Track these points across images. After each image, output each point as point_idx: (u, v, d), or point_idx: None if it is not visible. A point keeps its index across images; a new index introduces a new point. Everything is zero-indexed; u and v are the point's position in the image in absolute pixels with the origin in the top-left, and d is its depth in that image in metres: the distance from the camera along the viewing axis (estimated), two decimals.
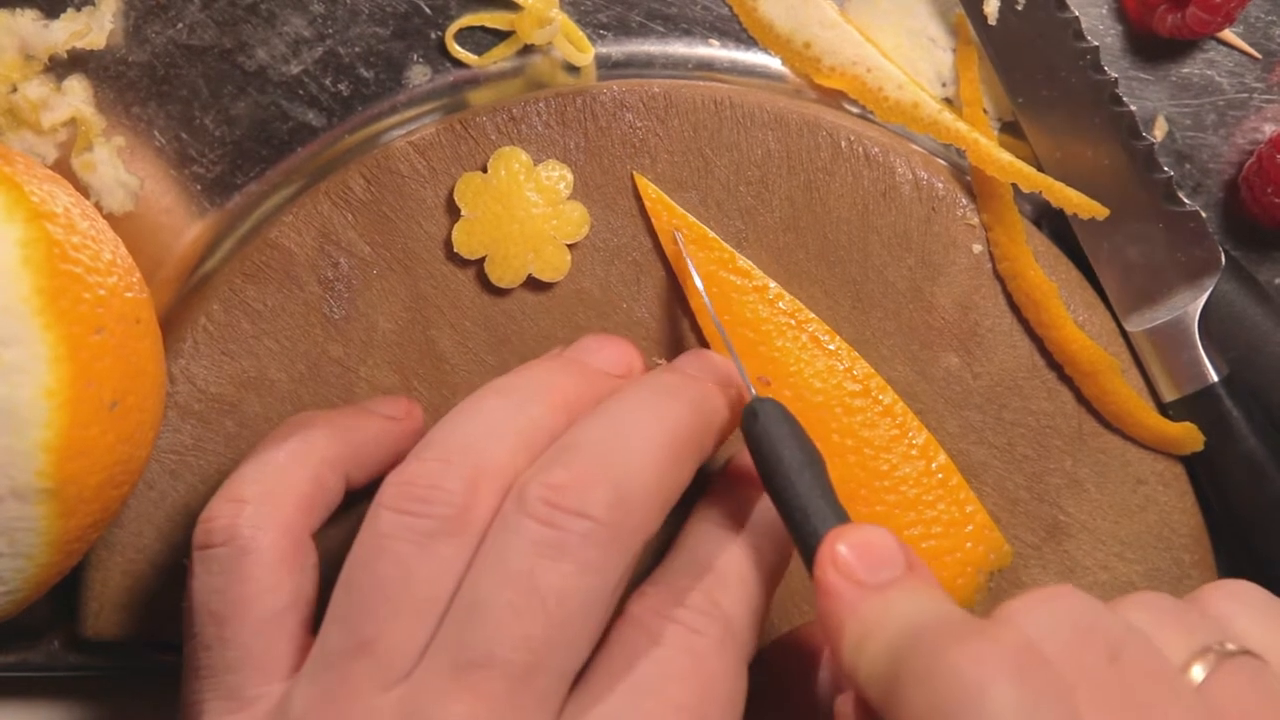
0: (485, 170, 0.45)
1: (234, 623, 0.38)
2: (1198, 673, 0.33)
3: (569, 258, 0.45)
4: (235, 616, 0.38)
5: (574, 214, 0.45)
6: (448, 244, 0.45)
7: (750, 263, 0.46)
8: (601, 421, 0.38)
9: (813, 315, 0.46)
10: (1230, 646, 0.33)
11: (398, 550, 0.36)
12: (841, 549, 0.36)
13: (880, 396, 0.46)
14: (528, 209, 0.45)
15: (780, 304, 0.46)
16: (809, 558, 0.37)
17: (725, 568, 0.39)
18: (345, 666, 0.35)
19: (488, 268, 0.45)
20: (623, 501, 0.36)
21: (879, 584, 0.35)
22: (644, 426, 0.37)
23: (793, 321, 0.46)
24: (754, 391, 0.41)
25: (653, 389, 0.39)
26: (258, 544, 0.38)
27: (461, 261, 0.46)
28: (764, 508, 0.41)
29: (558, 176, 0.45)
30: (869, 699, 0.33)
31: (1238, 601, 0.35)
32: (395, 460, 0.42)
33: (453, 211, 0.45)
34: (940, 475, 0.46)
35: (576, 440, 0.37)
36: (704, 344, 0.46)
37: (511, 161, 0.45)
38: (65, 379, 0.38)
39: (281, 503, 0.39)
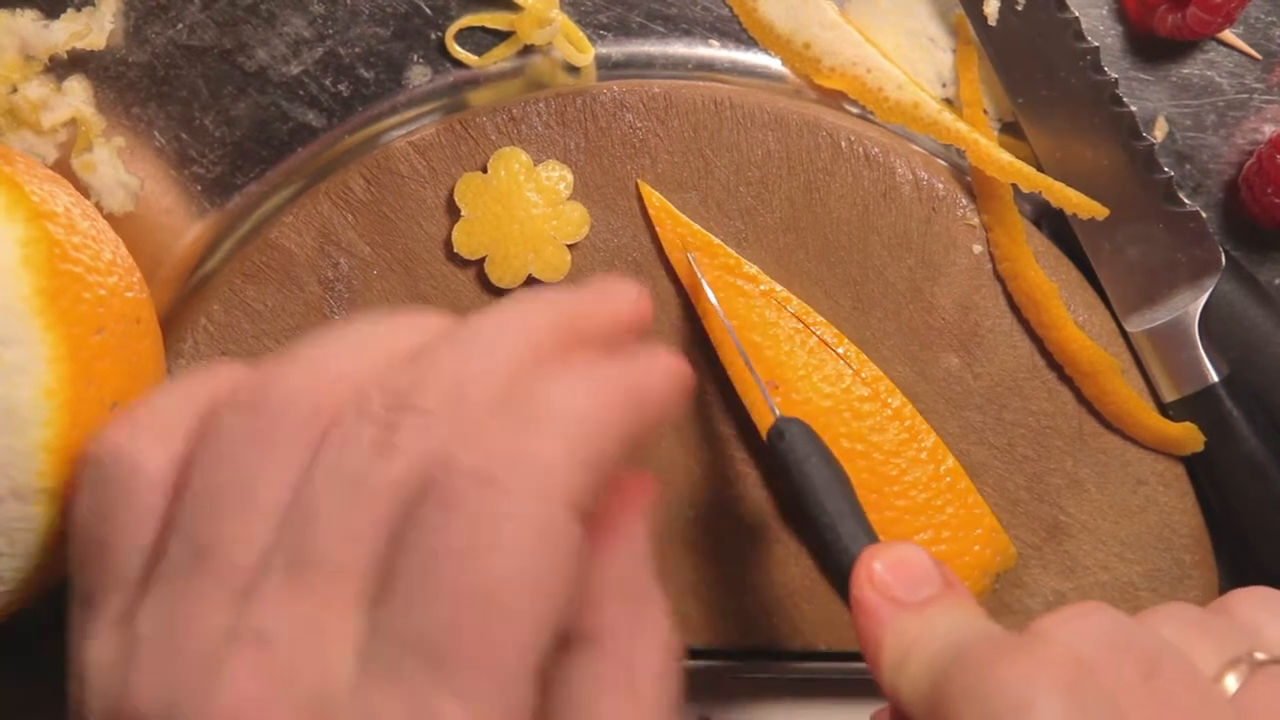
0: (485, 170, 0.45)
1: (113, 548, 0.36)
2: (1231, 683, 0.33)
3: (569, 258, 0.45)
4: (115, 542, 0.36)
5: (574, 214, 0.45)
6: (448, 244, 0.45)
7: (757, 268, 0.46)
8: (456, 331, 0.35)
9: (821, 319, 0.46)
10: (1260, 656, 0.33)
11: (236, 453, 0.34)
12: (878, 567, 0.35)
13: (889, 400, 0.46)
14: (528, 209, 0.45)
15: (788, 308, 0.46)
16: (842, 577, 0.37)
17: (547, 400, 0.33)
18: (187, 578, 0.34)
19: (488, 268, 0.45)
20: (462, 397, 0.33)
21: (917, 602, 0.35)
22: (497, 331, 0.34)
23: (800, 325, 0.46)
24: (778, 412, 0.41)
25: (518, 298, 0.36)
26: (143, 467, 0.36)
27: (462, 262, 0.46)
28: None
29: (558, 177, 0.45)
30: (912, 718, 0.33)
31: (1266, 609, 0.35)
32: None
33: (453, 212, 0.45)
34: (949, 479, 0.46)
35: (425, 347, 0.34)
36: (706, 342, 0.46)
37: (511, 162, 0.45)
38: (66, 379, 0.38)
39: (174, 428, 0.37)
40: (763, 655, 0.47)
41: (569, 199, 0.45)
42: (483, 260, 0.45)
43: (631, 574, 0.38)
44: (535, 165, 0.45)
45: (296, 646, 0.32)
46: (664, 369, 0.36)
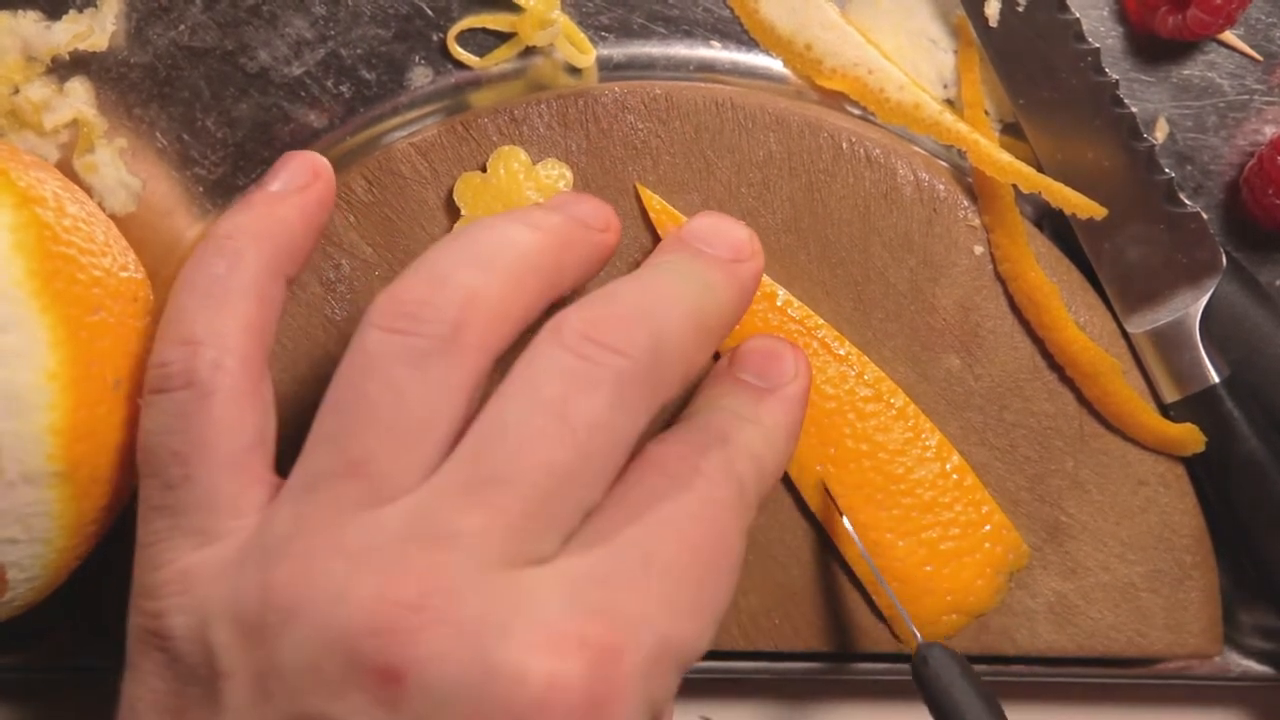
0: (485, 170, 0.45)
1: (199, 462, 0.37)
2: None
3: None
4: (200, 456, 0.37)
5: None
6: None
7: None
8: (639, 283, 0.38)
9: (822, 321, 0.46)
10: None
11: (388, 370, 0.35)
12: None
13: (892, 400, 0.46)
14: None
15: (790, 311, 0.46)
16: None
17: (744, 443, 0.40)
18: (333, 487, 0.35)
19: None
20: (659, 349, 0.36)
21: None
22: (679, 297, 0.38)
23: (802, 328, 0.46)
24: (920, 637, 0.42)
25: (688, 270, 0.40)
26: (218, 384, 0.38)
27: None
28: (787, 391, 0.42)
29: (557, 175, 0.45)
30: None
31: None
32: (322, 233, 0.43)
33: (453, 212, 0.45)
34: (955, 476, 0.46)
35: (614, 291, 0.37)
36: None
37: (511, 160, 0.45)
38: (66, 360, 0.38)
39: (234, 335, 0.38)
40: (763, 655, 0.47)
41: None
42: None
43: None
44: (534, 164, 0.45)
45: (479, 546, 0.34)
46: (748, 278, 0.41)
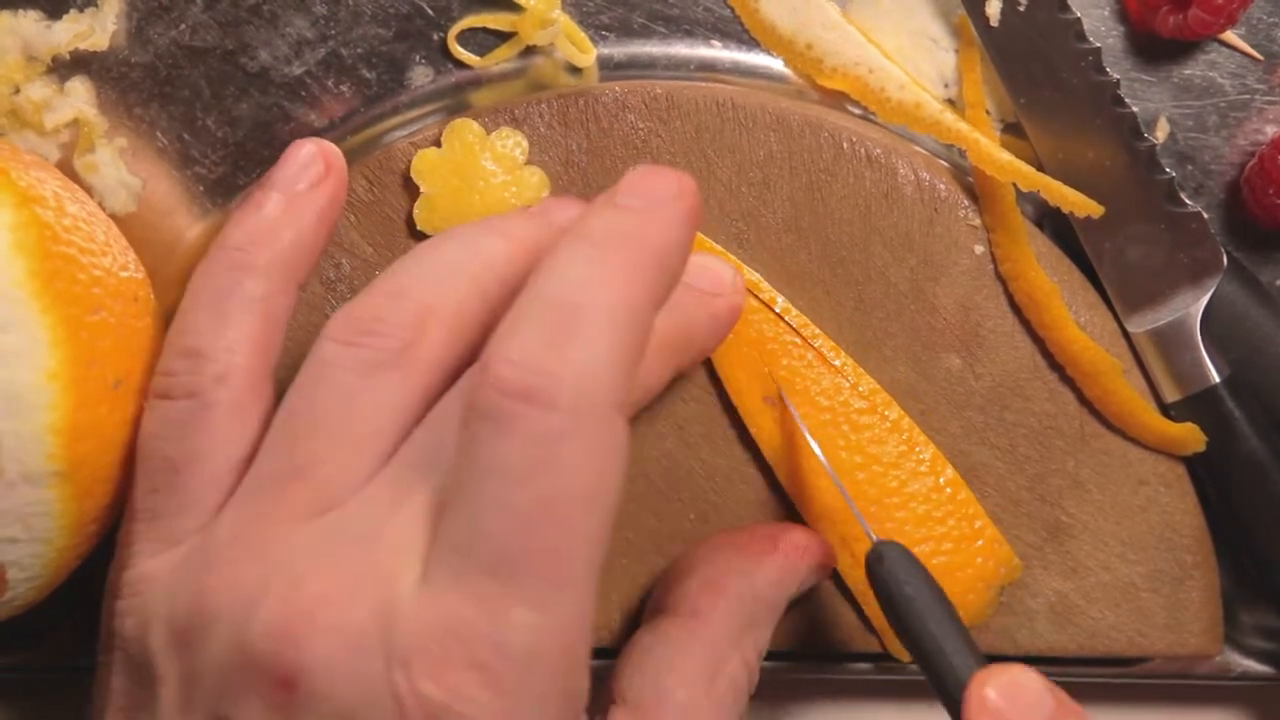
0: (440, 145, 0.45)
1: (187, 471, 0.38)
2: None
3: None
4: (190, 466, 0.38)
5: (532, 179, 0.45)
6: None
7: (759, 275, 0.46)
8: (555, 279, 0.33)
9: (819, 330, 0.46)
10: None
11: (338, 379, 0.36)
12: (990, 694, 0.37)
13: (886, 412, 0.46)
14: (486, 179, 0.45)
15: (788, 319, 0.46)
16: (952, 702, 0.38)
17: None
18: (277, 491, 0.35)
19: None
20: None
21: None
22: (604, 293, 0.33)
23: (799, 340, 0.46)
24: (874, 536, 0.42)
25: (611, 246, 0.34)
26: (219, 397, 0.38)
27: None
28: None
29: (513, 144, 0.45)
30: None
31: None
32: (334, 230, 0.43)
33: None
34: (949, 490, 0.46)
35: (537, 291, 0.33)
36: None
37: (465, 133, 0.45)
38: (66, 360, 0.38)
39: (239, 350, 0.39)
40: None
41: (526, 164, 0.45)
42: None
43: (757, 594, 0.42)
44: (489, 134, 0.45)
45: (370, 551, 0.33)
46: (671, 214, 0.35)
